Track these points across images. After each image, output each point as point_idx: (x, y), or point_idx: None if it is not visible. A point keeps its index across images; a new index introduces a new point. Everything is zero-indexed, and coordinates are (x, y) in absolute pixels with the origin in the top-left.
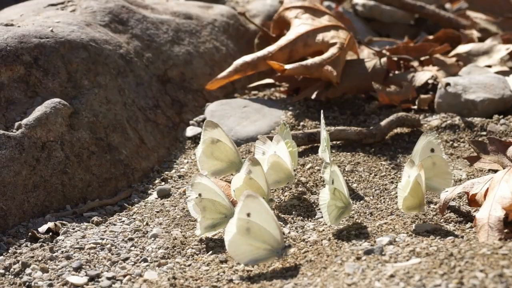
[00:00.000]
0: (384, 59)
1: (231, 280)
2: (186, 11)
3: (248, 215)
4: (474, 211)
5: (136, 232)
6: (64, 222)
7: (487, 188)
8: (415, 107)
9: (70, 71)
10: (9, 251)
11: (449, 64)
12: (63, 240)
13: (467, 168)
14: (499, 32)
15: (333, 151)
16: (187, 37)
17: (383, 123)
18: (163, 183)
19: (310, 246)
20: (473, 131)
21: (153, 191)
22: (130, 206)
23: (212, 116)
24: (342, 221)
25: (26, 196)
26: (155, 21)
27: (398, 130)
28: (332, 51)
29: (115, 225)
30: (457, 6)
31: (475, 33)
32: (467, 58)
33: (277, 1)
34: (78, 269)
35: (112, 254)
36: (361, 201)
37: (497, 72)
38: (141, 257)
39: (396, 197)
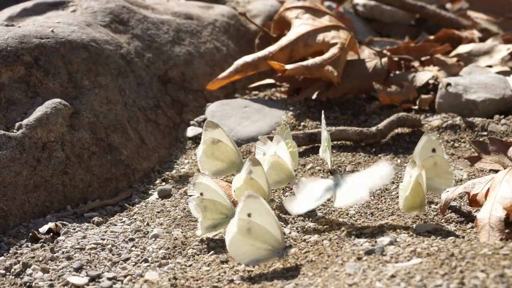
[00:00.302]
0: (384, 59)
1: (232, 281)
2: (187, 11)
3: (249, 215)
4: (475, 211)
5: (137, 233)
6: (64, 222)
7: (488, 188)
8: (416, 107)
9: (71, 71)
10: (10, 251)
11: (450, 64)
12: (63, 241)
13: (468, 168)
14: (500, 32)
15: (334, 151)
16: (188, 37)
17: (383, 123)
18: (163, 183)
19: (311, 246)
20: (474, 131)
21: (153, 192)
22: (130, 207)
23: (213, 116)
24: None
25: (27, 197)
26: (156, 21)
27: (399, 130)
28: (333, 51)
29: (115, 225)
30: (458, 6)
31: (476, 33)
32: (468, 58)
33: (278, 1)
34: (78, 270)
35: (113, 254)
36: (362, 201)
37: (498, 72)
38: (141, 257)
39: (397, 197)
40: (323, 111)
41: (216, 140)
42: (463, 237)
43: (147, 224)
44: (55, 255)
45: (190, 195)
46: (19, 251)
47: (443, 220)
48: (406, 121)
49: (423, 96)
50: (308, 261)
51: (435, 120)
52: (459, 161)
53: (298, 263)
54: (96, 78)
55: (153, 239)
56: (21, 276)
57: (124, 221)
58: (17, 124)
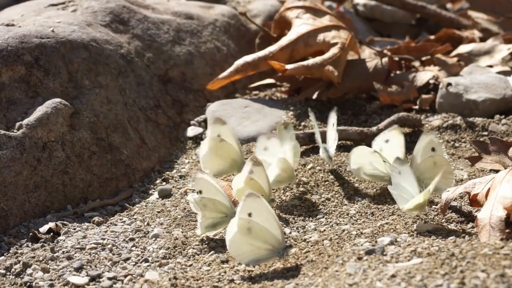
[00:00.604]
0: (385, 59)
1: (232, 280)
2: (187, 11)
3: (250, 215)
4: (476, 211)
5: (137, 232)
6: (65, 222)
7: (489, 188)
8: (417, 107)
9: (71, 71)
10: (10, 251)
11: (451, 64)
12: (64, 240)
13: (468, 168)
14: (500, 32)
15: (335, 151)
16: (188, 37)
17: (384, 123)
18: (164, 183)
19: (311, 246)
20: (475, 131)
21: (154, 191)
22: (131, 206)
23: (213, 116)
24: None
25: (27, 196)
26: (156, 21)
27: None
28: (333, 51)
29: (116, 225)
30: (458, 6)
31: (476, 33)
32: (469, 58)
33: (278, 1)
34: (79, 269)
35: (113, 254)
36: (363, 201)
37: (499, 72)
38: (142, 257)
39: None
40: (335, 110)
41: (220, 138)
42: (464, 237)
43: (148, 224)
44: (55, 255)
45: (191, 189)
46: (19, 251)
47: (443, 220)
48: (406, 121)
49: (424, 96)
50: (308, 261)
51: (436, 120)
52: (460, 161)
53: (298, 263)
54: (96, 78)
55: (154, 239)
56: (21, 276)
57: (125, 221)
58: (17, 124)
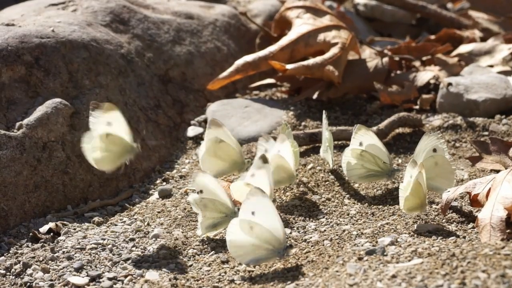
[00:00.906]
0: (385, 59)
1: (232, 281)
2: (187, 11)
3: (252, 214)
4: (476, 211)
5: (137, 233)
6: (65, 222)
7: (489, 188)
8: (417, 107)
9: (71, 71)
10: (10, 251)
11: (451, 64)
12: (64, 241)
13: (469, 168)
14: (501, 32)
15: (335, 151)
16: (188, 37)
17: (384, 123)
18: (164, 183)
19: (311, 246)
20: (475, 131)
21: (154, 191)
22: (131, 207)
23: (213, 116)
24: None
25: (27, 196)
26: (156, 21)
27: (399, 130)
28: (334, 51)
29: (116, 225)
30: (459, 5)
31: (477, 33)
32: (469, 58)
33: (279, 1)
34: (79, 270)
35: (113, 254)
36: (363, 201)
37: (499, 72)
38: (142, 257)
39: (398, 197)
40: (324, 111)
41: (219, 139)
42: (464, 237)
43: (148, 224)
44: (55, 255)
45: (191, 189)
46: (19, 251)
47: (444, 220)
48: (407, 121)
49: (424, 96)
50: (309, 261)
51: (436, 120)
52: (460, 161)
53: (299, 263)
54: (96, 77)
55: (154, 239)
56: (21, 276)
57: (125, 221)
58: (17, 124)
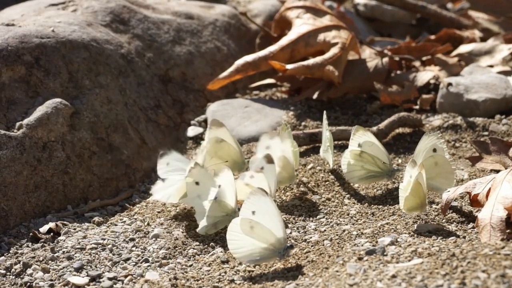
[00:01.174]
0: (385, 59)
1: (232, 281)
2: (187, 11)
3: (253, 213)
4: (476, 211)
5: (137, 233)
6: (65, 222)
7: (489, 188)
8: (417, 107)
9: (71, 71)
10: (10, 251)
11: (451, 64)
12: (64, 241)
13: (469, 168)
14: (501, 32)
15: (335, 151)
16: (188, 37)
17: (384, 123)
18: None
19: (311, 246)
20: (475, 131)
21: None
22: (131, 206)
23: (214, 116)
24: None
25: (27, 196)
26: (156, 21)
27: (400, 130)
28: (334, 51)
29: (116, 225)
30: (459, 6)
31: (477, 33)
32: (469, 58)
33: (279, 1)
34: (79, 270)
35: (113, 254)
36: (363, 201)
37: (499, 72)
38: (142, 257)
39: (398, 197)
40: (325, 112)
41: (220, 139)
42: (464, 237)
43: (148, 224)
44: (55, 255)
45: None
46: (19, 251)
47: (444, 220)
48: (407, 121)
49: (424, 96)
50: (309, 261)
51: (436, 120)
52: (460, 161)
53: (299, 263)
54: (96, 77)
55: (154, 239)
56: (21, 276)
57: (125, 221)
58: (17, 124)
